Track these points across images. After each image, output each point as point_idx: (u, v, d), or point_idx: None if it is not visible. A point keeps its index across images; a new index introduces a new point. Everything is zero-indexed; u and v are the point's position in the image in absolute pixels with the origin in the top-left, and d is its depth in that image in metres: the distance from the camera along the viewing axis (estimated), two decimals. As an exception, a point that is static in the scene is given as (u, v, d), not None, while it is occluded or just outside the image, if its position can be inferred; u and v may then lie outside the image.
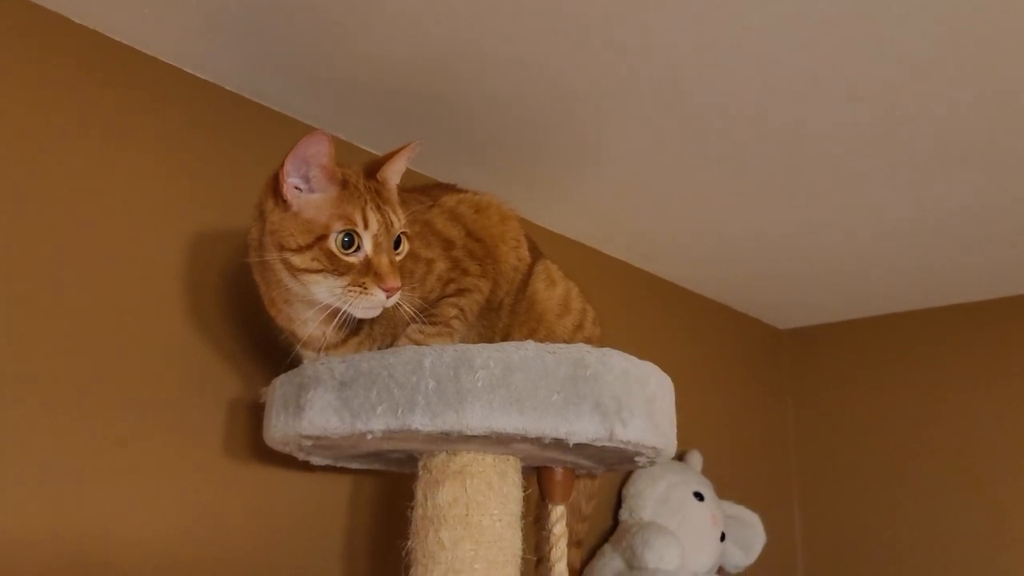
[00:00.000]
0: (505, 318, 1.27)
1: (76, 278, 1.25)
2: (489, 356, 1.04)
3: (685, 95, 1.48)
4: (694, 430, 2.42)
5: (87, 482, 1.21)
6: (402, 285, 1.06)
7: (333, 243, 1.03)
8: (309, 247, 1.03)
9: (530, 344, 1.07)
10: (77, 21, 1.30)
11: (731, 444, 2.62)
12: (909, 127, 1.58)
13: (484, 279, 1.21)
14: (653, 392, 1.14)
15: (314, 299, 1.06)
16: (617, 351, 1.12)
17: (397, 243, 1.08)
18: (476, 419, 1.02)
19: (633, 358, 1.13)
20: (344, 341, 1.14)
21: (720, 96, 1.48)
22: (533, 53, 1.36)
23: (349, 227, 1.03)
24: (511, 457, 1.22)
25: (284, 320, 1.14)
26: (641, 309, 2.41)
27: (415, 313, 1.13)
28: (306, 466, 1.34)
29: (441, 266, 1.17)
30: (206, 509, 1.33)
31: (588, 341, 1.30)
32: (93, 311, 1.25)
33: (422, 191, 1.30)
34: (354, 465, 1.38)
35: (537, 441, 1.07)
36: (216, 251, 1.41)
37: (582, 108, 1.54)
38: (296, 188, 1.05)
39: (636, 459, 1.24)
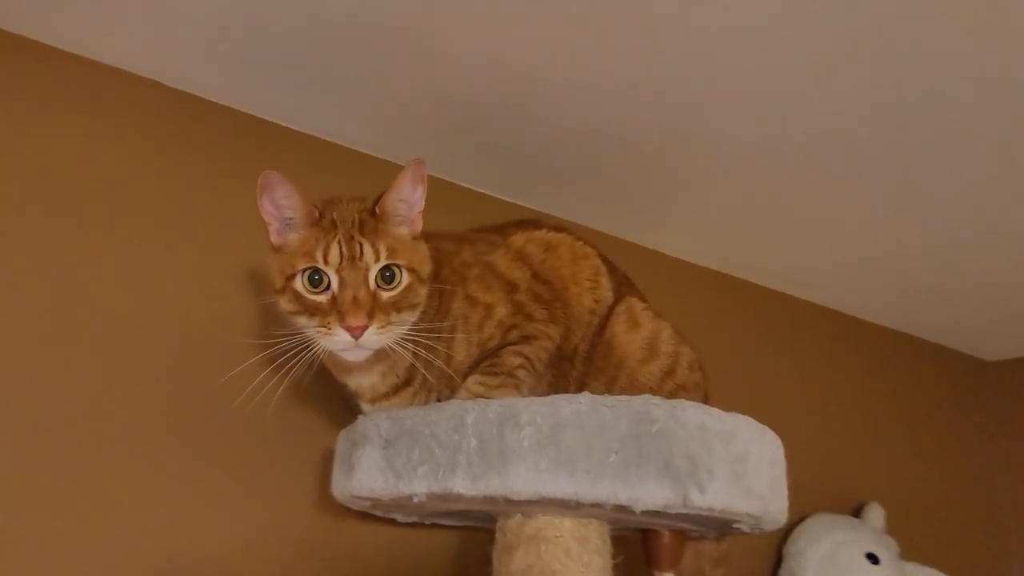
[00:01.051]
0: (580, 366, 1.15)
1: (173, 325, 1.28)
2: (536, 411, 0.94)
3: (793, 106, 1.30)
4: (874, 480, 2.13)
5: (187, 528, 1.22)
6: (391, 321, 0.97)
7: (299, 282, 0.98)
8: (284, 289, 0.99)
9: (585, 396, 0.94)
10: (133, 71, 1.34)
11: (923, 495, 2.28)
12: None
13: (553, 325, 1.09)
14: (743, 450, 0.98)
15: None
16: (694, 403, 0.97)
17: (391, 278, 0.99)
18: (520, 483, 0.92)
19: (715, 411, 0.98)
20: (396, 392, 1.08)
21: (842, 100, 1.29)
22: (627, 74, 1.26)
23: (310, 264, 0.97)
24: (594, 521, 1.09)
25: (337, 371, 1.10)
26: (805, 344, 2.17)
27: (479, 352, 1.05)
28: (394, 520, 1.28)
29: (502, 311, 1.08)
30: (295, 559, 1.30)
31: (681, 389, 1.15)
32: (193, 359, 1.27)
33: (498, 230, 1.22)
34: (443, 522, 1.31)
35: (599, 506, 0.94)
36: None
37: (686, 128, 1.40)
38: (282, 230, 1.02)
39: (736, 526, 1.07)
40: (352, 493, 1.04)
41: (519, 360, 1.07)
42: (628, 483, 0.91)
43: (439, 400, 1.09)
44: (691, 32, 1.16)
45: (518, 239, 1.14)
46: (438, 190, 1.63)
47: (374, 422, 1.03)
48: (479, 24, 1.17)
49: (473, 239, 1.17)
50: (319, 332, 0.96)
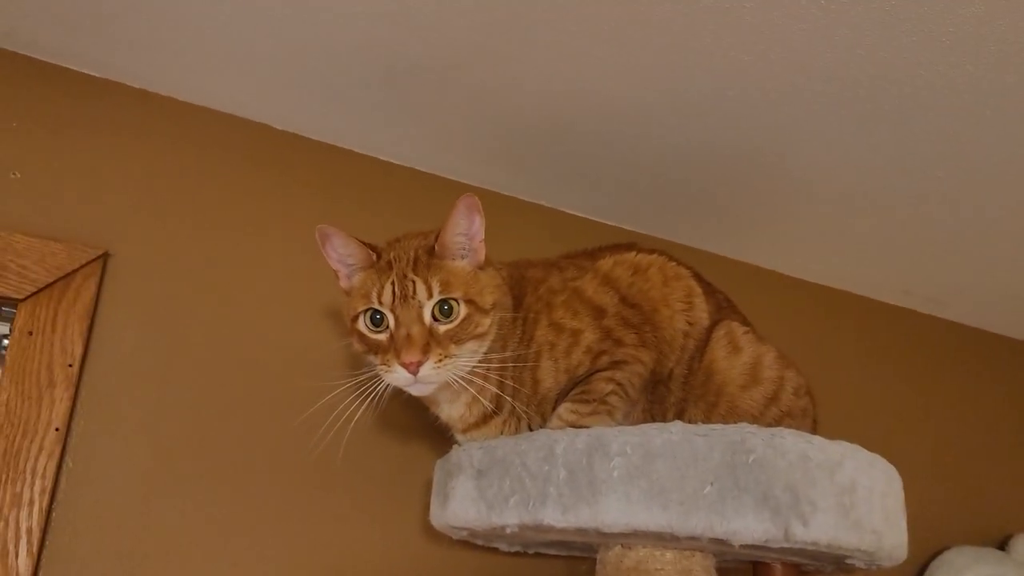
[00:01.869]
0: (678, 391, 1.11)
1: (273, 374, 1.32)
2: (627, 441, 0.91)
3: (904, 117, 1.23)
4: (1022, 510, 1.97)
5: (290, 545, 1.25)
6: (450, 354, 0.98)
7: (362, 323, 1.02)
8: (352, 330, 1.04)
9: (676, 425, 0.92)
10: (237, 114, 1.42)
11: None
12: None
13: (644, 349, 1.07)
14: (850, 481, 0.92)
15: None
16: (793, 431, 0.92)
17: (448, 311, 0.99)
18: (612, 514, 0.90)
19: (817, 439, 0.93)
20: (485, 421, 1.08)
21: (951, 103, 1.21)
22: (730, 90, 1.23)
23: (368, 305, 1.01)
24: (697, 554, 1.05)
25: (429, 403, 1.11)
26: (937, 364, 2.04)
27: (567, 380, 1.05)
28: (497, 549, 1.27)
29: (590, 337, 1.06)
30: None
31: (787, 416, 1.10)
32: (294, 405, 1.30)
33: (590, 255, 1.20)
34: (546, 551, 1.29)
35: (694, 539, 0.91)
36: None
37: (779, 140, 1.35)
38: (348, 275, 1.07)
39: (848, 561, 1.01)
40: (448, 523, 1.04)
41: (611, 386, 1.05)
42: (724, 516, 0.88)
43: (531, 429, 1.09)
44: (788, 40, 1.12)
45: (606, 263, 1.12)
46: (534, 214, 1.64)
47: (467, 452, 1.03)
48: (562, 52, 1.18)
49: (563, 265, 1.16)
50: (382, 369, 0.99)
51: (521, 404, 1.06)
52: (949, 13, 1.05)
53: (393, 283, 0.99)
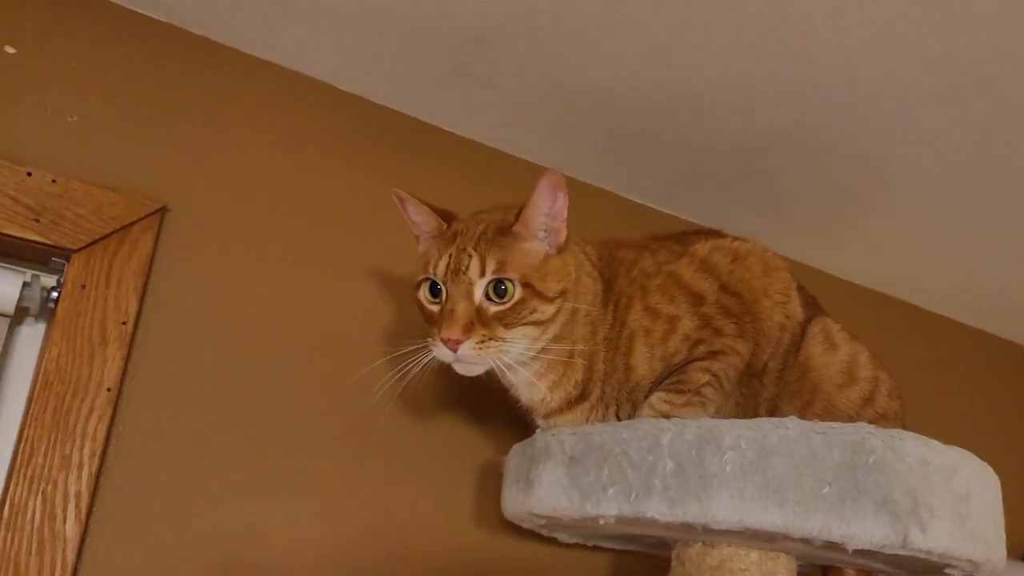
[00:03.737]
0: (771, 387, 1.07)
1: (331, 338, 1.27)
2: (740, 435, 0.87)
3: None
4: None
5: (345, 537, 1.20)
6: (497, 336, 0.93)
7: (421, 293, 1.00)
8: (415, 298, 1.02)
9: (793, 421, 0.87)
10: (303, 72, 1.36)
11: None
12: None
13: (742, 340, 1.02)
14: (966, 488, 0.89)
15: None
16: (912, 433, 0.88)
17: (503, 292, 0.95)
18: (724, 511, 0.85)
19: (934, 443, 0.89)
20: (570, 407, 1.03)
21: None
22: (817, 74, 1.18)
23: (424, 274, 0.99)
24: (782, 555, 1.02)
25: (509, 384, 1.06)
26: (975, 377, 2.02)
27: (663, 368, 1.01)
28: (556, 541, 1.23)
29: (688, 324, 1.01)
30: (449, 572, 1.27)
31: (881, 418, 1.06)
32: (349, 371, 1.25)
33: (677, 239, 1.16)
34: (608, 544, 1.25)
35: (806, 541, 0.87)
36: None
37: (868, 134, 1.31)
38: (424, 239, 1.05)
39: (948, 571, 0.97)
40: (531, 511, 0.99)
41: (707, 377, 1.00)
42: (843, 518, 0.83)
43: (619, 417, 1.04)
44: (869, 22, 1.07)
45: (703, 248, 1.07)
46: (592, 198, 1.60)
47: (557, 437, 0.98)
48: (646, 32, 1.13)
49: (654, 248, 1.11)
50: (429, 342, 0.96)
51: (612, 391, 1.02)
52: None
53: (451, 256, 0.96)
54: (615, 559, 1.40)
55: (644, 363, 1.01)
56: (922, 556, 0.87)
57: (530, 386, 1.04)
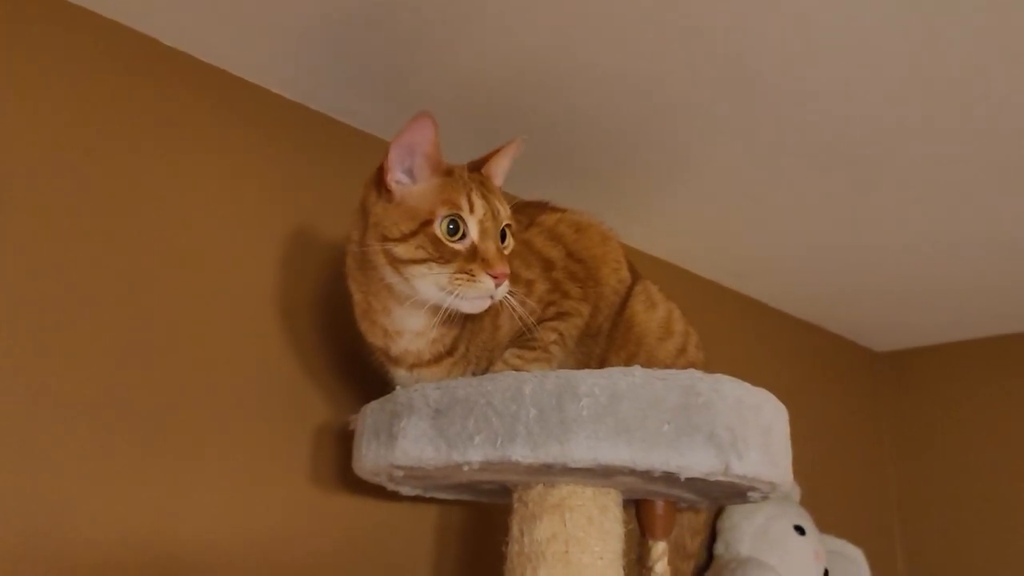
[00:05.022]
0: (603, 343, 1.20)
1: (169, 292, 1.23)
2: (594, 383, 0.97)
3: (782, 103, 1.40)
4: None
5: (170, 504, 1.18)
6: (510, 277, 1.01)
7: (438, 228, 0.99)
8: (414, 234, 0.99)
9: (637, 370, 0.99)
10: (160, 39, 1.30)
11: (828, 475, 2.48)
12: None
13: (585, 303, 1.14)
14: (769, 422, 1.06)
15: (418, 296, 1.01)
16: (729, 377, 1.04)
17: (503, 237, 1.03)
18: (581, 451, 0.95)
19: (746, 384, 1.05)
20: (438, 360, 1.09)
21: (820, 104, 1.40)
22: (624, 64, 1.30)
23: (454, 212, 0.99)
24: (612, 490, 1.15)
25: (378, 335, 1.09)
26: (729, 331, 2.31)
27: (521, 327, 1.09)
28: (394, 496, 1.28)
29: (541, 287, 1.11)
30: (290, 536, 1.29)
31: (692, 366, 1.21)
32: (182, 330, 1.23)
33: (515, 209, 1.23)
34: (445, 496, 1.32)
35: (645, 474, 1.00)
36: (305, 273, 1.38)
37: (673, 120, 1.47)
38: (400, 178, 1.03)
39: (749, 494, 1.15)
40: (393, 463, 1.04)
41: (554, 335, 1.10)
42: (680, 451, 0.96)
43: (473, 373, 1.11)
44: (669, 22, 1.21)
45: (550, 219, 1.17)
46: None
47: (420, 393, 1.03)
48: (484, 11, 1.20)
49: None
50: (458, 279, 0.97)
51: (476, 348, 1.09)
52: None
53: (484, 196, 1.00)
54: (442, 511, 1.48)
55: (508, 323, 1.09)
56: (736, 481, 1.02)
57: (419, 335, 1.08)
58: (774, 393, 1.09)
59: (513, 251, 1.09)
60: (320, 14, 1.20)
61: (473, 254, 0.99)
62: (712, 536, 2.02)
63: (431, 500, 1.40)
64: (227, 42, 1.29)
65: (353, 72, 1.35)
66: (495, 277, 0.97)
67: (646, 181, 1.72)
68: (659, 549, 1.25)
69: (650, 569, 1.24)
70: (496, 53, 1.29)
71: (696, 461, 0.97)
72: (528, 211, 1.21)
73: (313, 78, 1.38)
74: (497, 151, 1.08)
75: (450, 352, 1.09)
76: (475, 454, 0.98)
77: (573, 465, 0.96)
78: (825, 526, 2.14)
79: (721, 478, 1.00)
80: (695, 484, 1.08)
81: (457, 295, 0.98)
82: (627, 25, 1.21)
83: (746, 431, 1.01)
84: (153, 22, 1.26)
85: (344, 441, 1.33)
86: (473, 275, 0.97)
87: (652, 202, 1.82)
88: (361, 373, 1.23)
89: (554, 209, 1.23)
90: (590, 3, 1.17)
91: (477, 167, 1.07)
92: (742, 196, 1.77)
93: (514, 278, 1.09)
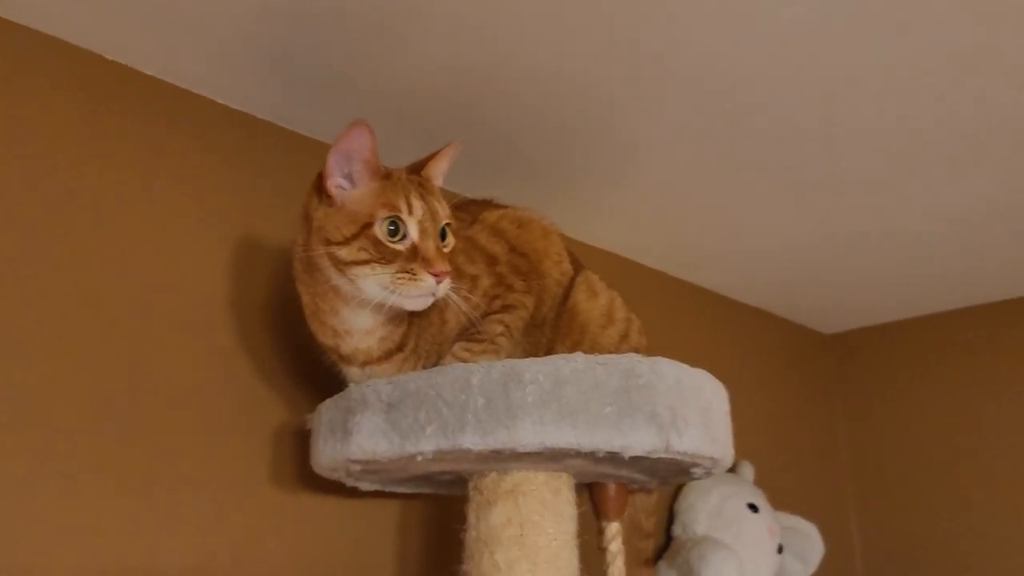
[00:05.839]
0: (548, 333, 1.25)
1: (117, 302, 1.25)
2: (538, 370, 1.02)
3: (721, 98, 1.46)
4: (743, 440, 2.31)
5: (126, 507, 1.19)
6: (451, 274, 1.05)
7: (378, 230, 1.02)
8: (355, 237, 1.02)
9: (579, 356, 1.04)
10: (103, 54, 1.32)
11: (782, 454, 2.56)
12: (952, 122, 1.54)
13: (529, 295, 1.18)
14: (708, 401, 1.11)
15: (364, 296, 1.04)
16: (668, 359, 1.09)
17: (443, 235, 1.07)
18: (528, 435, 0.99)
19: (685, 366, 1.10)
20: (388, 357, 1.12)
21: (757, 97, 1.46)
22: (566, 62, 1.35)
23: (393, 213, 1.03)
24: (564, 474, 1.19)
25: (328, 334, 1.13)
26: (682, 320, 2.37)
27: (467, 321, 1.12)
28: (354, 492, 1.32)
29: (486, 282, 1.15)
30: (250, 537, 1.31)
31: (635, 351, 1.26)
32: (134, 335, 1.25)
33: (459, 207, 1.28)
34: (403, 489, 1.36)
35: (591, 455, 1.04)
36: (256, 276, 1.41)
37: (616, 117, 1.52)
38: (340, 184, 1.05)
39: (692, 471, 1.20)
40: (349, 458, 1.08)
41: (500, 328, 1.15)
42: (622, 432, 1.01)
43: (424, 367, 1.15)
44: (615, 27, 1.26)
45: (491, 215, 1.22)
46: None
47: (372, 388, 1.07)
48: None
49: (447, 215, 1.24)
50: (400, 278, 1.00)
51: (424, 343, 1.13)
52: None
53: (419, 197, 1.04)
54: (403, 505, 1.52)
55: (454, 318, 1.13)
56: (678, 458, 1.07)
57: (368, 334, 1.11)
58: (728, 378, 1.14)
59: (457, 247, 1.12)
60: (258, 22, 1.22)
61: (414, 254, 1.02)
62: (670, 518, 2.08)
63: (392, 495, 1.43)
64: (166, 53, 1.31)
65: (295, 79, 1.38)
66: (435, 275, 1.01)
67: (593, 177, 1.77)
68: (612, 529, 1.30)
69: (605, 549, 1.29)
70: (440, 55, 1.32)
71: (638, 440, 1.02)
72: (472, 209, 1.26)
73: (255, 87, 1.40)
74: (436, 153, 1.12)
75: (400, 348, 1.12)
76: (427, 444, 1.02)
77: (521, 450, 1.00)
78: (781, 504, 2.21)
79: (663, 455, 1.05)
80: (640, 463, 1.13)
81: (400, 294, 1.01)
82: (569, 27, 1.25)
83: (686, 410, 1.06)
84: (91, 36, 1.27)
85: (303, 441, 1.36)
86: (414, 274, 1.01)
87: (601, 198, 1.87)
88: (315, 373, 1.26)
89: (497, 206, 1.27)
90: (532, 6, 1.21)
91: (416, 169, 1.11)
92: (689, 190, 1.83)
93: (459, 274, 1.13)
